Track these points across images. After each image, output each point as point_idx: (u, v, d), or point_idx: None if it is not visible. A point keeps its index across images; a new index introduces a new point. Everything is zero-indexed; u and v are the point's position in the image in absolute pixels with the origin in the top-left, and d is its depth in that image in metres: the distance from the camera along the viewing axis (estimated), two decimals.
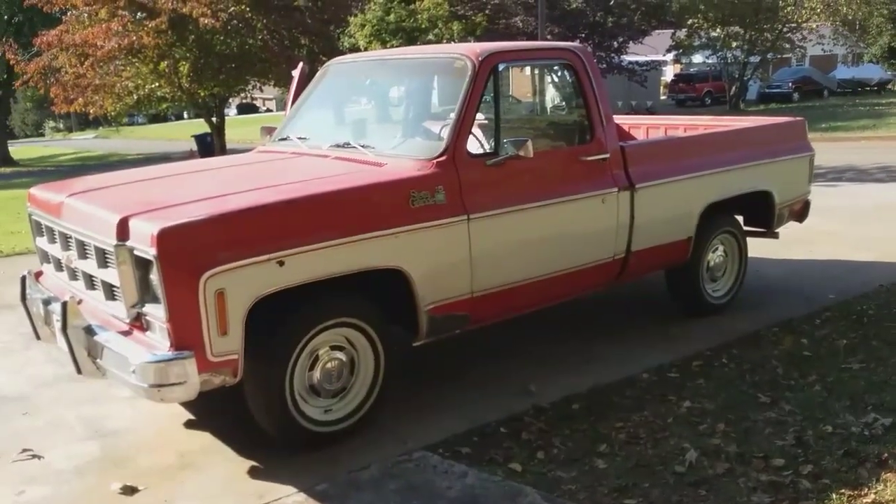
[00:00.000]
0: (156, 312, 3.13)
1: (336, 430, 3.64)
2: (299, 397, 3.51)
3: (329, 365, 3.57)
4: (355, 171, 3.83)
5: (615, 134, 4.50)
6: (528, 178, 4.06)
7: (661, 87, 40.08)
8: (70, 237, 3.65)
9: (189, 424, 3.96)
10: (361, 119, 4.65)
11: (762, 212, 5.53)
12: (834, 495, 3.04)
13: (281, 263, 3.22)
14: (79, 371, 3.47)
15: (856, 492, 3.06)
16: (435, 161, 3.77)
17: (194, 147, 19.94)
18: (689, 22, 30.85)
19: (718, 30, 30.35)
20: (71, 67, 15.99)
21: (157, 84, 16.23)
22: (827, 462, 3.30)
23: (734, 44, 30.80)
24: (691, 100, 36.28)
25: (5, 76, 27.09)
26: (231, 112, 48.22)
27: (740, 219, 5.66)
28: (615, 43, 28.98)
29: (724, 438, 3.55)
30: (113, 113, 17.63)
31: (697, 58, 36.03)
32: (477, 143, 4.09)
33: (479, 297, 3.93)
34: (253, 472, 3.45)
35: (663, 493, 3.13)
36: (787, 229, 6.06)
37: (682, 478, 3.23)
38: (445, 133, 3.86)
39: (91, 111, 16.75)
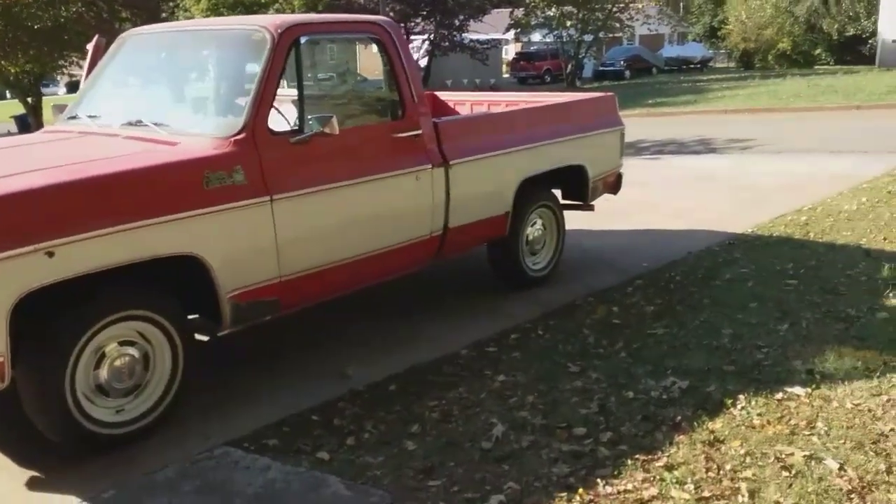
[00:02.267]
0: None
1: (131, 430, 3.39)
2: (84, 399, 3.23)
3: (118, 362, 3.31)
4: (143, 151, 3.55)
5: (428, 110, 4.44)
6: (336, 155, 3.92)
7: (504, 66, 40.97)
8: None
9: None
10: (157, 95, 4.32)
11: (577, 185, 5.67)
12: (629, 461, 3.13)
13: (50, 254, 2.93)
14: None
15: (650, 456, 3.16)
16: (232, 139, 3.56)
17: (13, 128, 18.42)
18: (527, 1, 31.63)
19: (553, 9, 31.27)
20: None
21: None
22: (626, 428, 3.40)
23: (568, 23, 31.87)
24: (532, 77, 37.35)
25: None
26: (60, 91, 44.85)
27: (558, 193, 5.79)
28: (456, 21, 29.31)
29: (532, 410, 3.60)
30: None
31: (536, 36, 37.07)
32: (283, 121, 3.90)
33: (289, 280, 3.77)
34: (32, 484, 3.15)
35: (468, 470, 3.12)
36: (608, 202, 6.28)
37: (487, 454, 3.24)
38: (244, 110, 3.65)
39: None
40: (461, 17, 29.29)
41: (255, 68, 3.72)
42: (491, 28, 31.62)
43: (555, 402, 3.68)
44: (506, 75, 39.99)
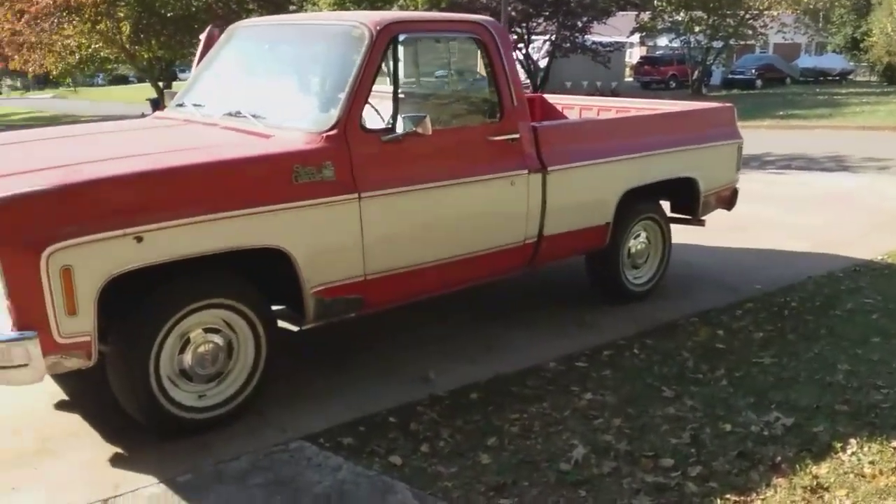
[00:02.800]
0: None
1: (211, 416, 3.42)
2: (168, 382, 3.27)
3: (202, 349, 3.34)
4: (237, 142, 3.58)
5: (527, 113, 4.29)
6: (427, 156, 3.83)
7: (627, 69, 40.04)
8: None
9: (60, 405, 3.71)
10: (258, 87, 4.35)
11: (687, 199, 5.39)
12: (718, 500, 2.90)
13: (139, 239, 2.97)
14: None
15: (742, 497, 2.93)
16: (324, 135, 3.53)
17: (149, 111, 19.40)
18: (655, 4, 30.72)
19: (682, 13, 30.26)
20: (7, 24, 15.35)
21: (99, 44, 15.65)
22: (719, 463, 3.16)
23: (697, 28, 30.77)
24: (656, 83, 36.31)
25: None
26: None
27: (666, 205, 5.52)
28: (579, 23, 28.78)
29: (618, 435, 3.40)
30: (55, 72, 17.00)
31: (663, 41, 36.03)
32: (378, 118, 3.84)
33: (373, 279, 3.72)
34: (115, 460, 3.22)
35: (542, 493, 2.97)
36: (725, 217, 5.95)
37: (564, 476, 3.08)
38: (338, 106, 3.61)
39: (30, 70, 16.14)
40: (584, 19, 28.72)
41: (353, 65, 3.67)
42: (615, 31, 30.89)
43: (643, 428, 3.47)
44: (628, 79, 39.04)
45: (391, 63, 3.78)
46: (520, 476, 3.08)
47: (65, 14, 14.76)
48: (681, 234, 5.83)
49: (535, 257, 4.50)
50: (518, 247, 4.34)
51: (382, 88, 3.88)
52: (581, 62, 30.73)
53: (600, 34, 30.40)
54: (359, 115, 3.63)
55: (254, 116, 3.81)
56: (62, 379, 3.83)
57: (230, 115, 3.96)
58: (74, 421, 3.55)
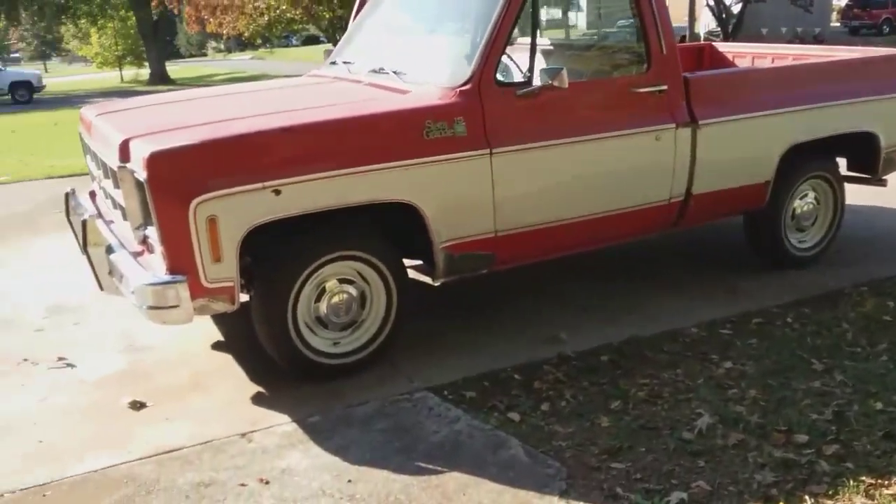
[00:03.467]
0: (154, 235, 3.16)
1: (344, 363, 3.60)
2: (305, 328, 3.48)
3: (336, 298, 3.51)
4: (375, 97, 3.67)
5: (678, 63, 4.05)
6: (565, 110, 3.75)
7: (834, 14, 36.61)
8: (98, 156, 3.75)
9: (216, 345, 4.05)
10: (403, 43, 4.42)
11: (866, 156, 4.90)
12: (852, 481, 2.69)
13: (277, 192, 3.16)
14: (101, 287, 3.61)
15: (880, 480, 2.69)
16: (458, 90, 3.54)
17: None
18: None
19: None
20: None
21: (284, 6, 16.50)
22: (860, 444, 2.92)
23: None
24: (866, 28, 33.02)
25: None
26: None
27: (842, 162, 5.06)
28: None
29: (751, 406, 3.22)
30: (246, 34, 18.15)
31: None
32: (515, 71, 3.80)
33: (505, 236, 3.72)
34: (256, 398, 3.49)
35: (657, 459, 2.88)
36: None
37: (685, 445, 2.97)
38: (473, 59, 3.61)
39: (225, 31, 17.33)
40: None
41: (489, 17, 3.63)
42: None
43: (781, 401, 3.26)
44: (835, 24, 35.71)
45: (532, 13, 3.70)
46: (637, 441, 3.00)
47: None
48: (865, 196, 5.35)
49: (683, 217, 4.30)
50: (663, 205, 4.17)
51: (524, 41, 3.82)
52: (780, 6, 28.40)
53: None
54: (493, 68, 3.60)
55: (395, 73, 3.88)
56: (218, 320, 4.18)
57: (374, 71, 4.06)
58: (225, 360, 3.87)
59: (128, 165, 3.16)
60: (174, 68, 36.84)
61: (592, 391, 3.43)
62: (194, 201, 3.03)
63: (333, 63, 4.58)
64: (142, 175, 3.04)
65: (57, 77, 40.22)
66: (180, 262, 3.10)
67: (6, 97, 24.41)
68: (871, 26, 32.82)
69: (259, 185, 3.12)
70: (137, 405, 3.44)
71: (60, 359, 3.90)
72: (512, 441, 3.03)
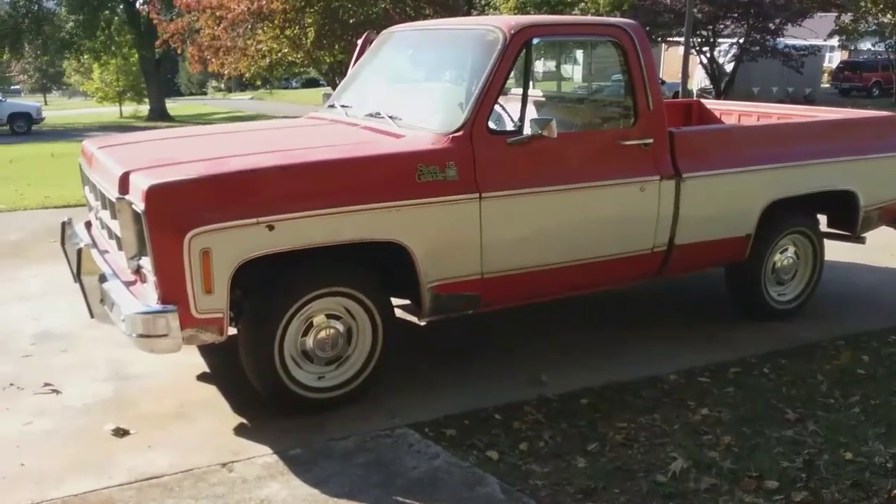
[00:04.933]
0: (148, 266, 3.24)
1: (328, 397, 3.66)
2: (291, 362, 3.54)
3: (323, 333, 3.58)
4: (369, 140, 3.80)
5: (664, 118, 4.20)
6: (552, 159, 3.87)
7: (825, 75, 37.37)
8: (97, 187, 3.84)
9: (202, 376, 4.10)
10: (400, 89, 4.58)
11: (846, 213, 5.05)
12: None
13: (271, 228, 3.25)
14: (91, 315, 3.67)
15: None
16: (450, 136, 3.67)
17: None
18: (860, 4, 28.45)
19: (889, 15, 27.83)
20: (208, 29, 16.83)
21: (286, 49, 16.81)
22: (828, 492, 2.99)
23: None
24: (856, 90, 33.73)
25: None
26: None
27: (823, 219, 5.21)
28: (771, 24, 27.24)
29: (724, 452, 3.29)
30: (248, 75, 18.45)
31: (866, 45, 33.34)
32: (507, 120, 3.94)
33: (491, 278, 3.81)
34: (239, 429, 3.53)
35: (630, 500, 2.95)
36: None
37: (658, 488, 3.03)
38: (466, 107, 3.74)
39: (226, 72, 17.61)
40: (778, 20, 27.10)
41: (484, 67, 3.78)
42: (810, 33, 28.88)
43: (754, 448, 3.33)
44: (825, 85, 36.42)
45: (524, 66, 3.85)
46: (612, 483, 3.07)
47: (257, 21, 16.02)
48: (846, 253, 5.49)
49: (665, 266, 4.41)
50: (646, 254, 4.28)
51: (517, 91, 3.97)
52: (771, 67, 29.07)
53: (794, 37, 28.58)
54: (486, 117, 3.73)
55: (391, 117, 4.01)
56: (206, 352, 4.24)
57: (371, 115, 4.20)
58: (210, 391, 3.92)
59: (126, 197, 3.25)
60: (174, 105, 37.30)
61: (571, 433, 3.49)
62: (189, 233, 3.11)
63: (332, 106, 4.72)
64: (139, 207, 3.13)
65: (56, 110, 40.60)
66: (172, 292, 3.18)
67: (5, 128, 24.61)
68: (861, 88, 33.55)
69: (253, 220, 3.21)
70: (121, 432, 3.48)
71: (46, 384, 3.95)
72: (489, 478, 3.09)
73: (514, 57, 3.81)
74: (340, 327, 3.63)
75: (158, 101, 31.90)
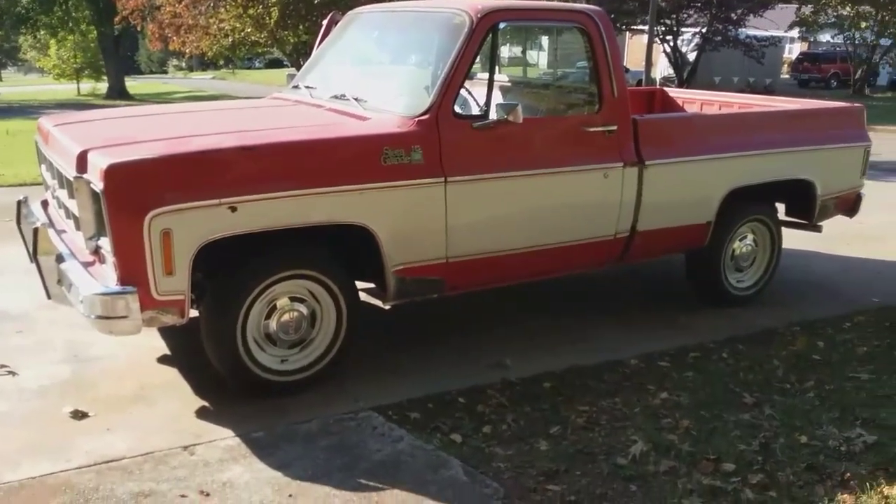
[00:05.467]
0: (107, 246, 3.18)
1: (291, 380, 3.64)
2: (254, 344, 3.51)
3: (287, 316, 3.56)
4: (334, 122, 3.77)
5: (627, 106, 4.23)
6: (518, 144, 3.88)
7: (785, 66, 37.93)
8: (54, 166, 3.76)
9: (162, 359, 4.05)
10: (365, 72, 4.55)
11: (803, 202, 5.15)
12: None
13: (233, 209, 3.21)
14: (48, 296, 3.60)
15: None
16: (416, 119, 3.65)
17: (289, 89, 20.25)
18: None
19: (848, 8, 28.32)
20: (169, 6, 16.50)
21: (249, 28, 16.55)
22: (784, 474, 3.06)
23: (864, 24, 28.73)
24: (815, 81, 34.31)
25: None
26: None
27: (782, 207, 5.31)
28: (734, 15, 27.57)
29: (683, 435, 3.35)
30: (210, 54, 18.13)
31: (825, 37, 33.90)
32: (472, 104, 3.93)
33: (456, 263, 3.82)
34: (200, 412, 3.50)
35: (591, 482, 2.98)
36: (858, 225, 5.66)
37: (619, 470, 3.07)
38: (432, 91, 3.73)
39: (187, 51, 17.29)
40: (740, 11, 27.43)
41: (450, 51, 3.77)
42: (771, 24, 29.29)
43: (712, 432, 3.40)
44: (785, 76, 36.99)
45: (490, 50, 3.84)
46: (574, 465, 3.10)
47: None
48: (804, 240, 5.60)
49: (627, 252, 4.46)
50: (608, 240, 4.32)
51: (484, 75, 3.96)
52: (733, 57, 29.44)
53: (756, 28, 28.98)
54: (452, 101, 3.72)
55: (356, 100, 3.98)
56: (166, 334, 4.19)
57: (336, 97, 4.16)
58: (171, 374, 3.88)
59: (84, 176, 3.18)
60: (133, 84, 36.51)
61: (533, 416, 3.53)
62: (149, 214, 3.06)
63: (296, 87, 4.67)
64: (98, 186, 3.07)
65: (12, 87, 39.56)
66: (132, 274, 3.12)
67: None
68: (820, 80, 34.13)
69: (215, 201, 3.17)
70: (79, 415, 3.43)
71: (2, 366, 3.87)
72: (453, 461, 3.10)
73: (480, 41, 3.80)
74: (304, 310, 3.61)
75: (117, 78, 31.20)
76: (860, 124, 5.31)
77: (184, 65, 59.81)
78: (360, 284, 3.81)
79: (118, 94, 29.86)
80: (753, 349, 4.35)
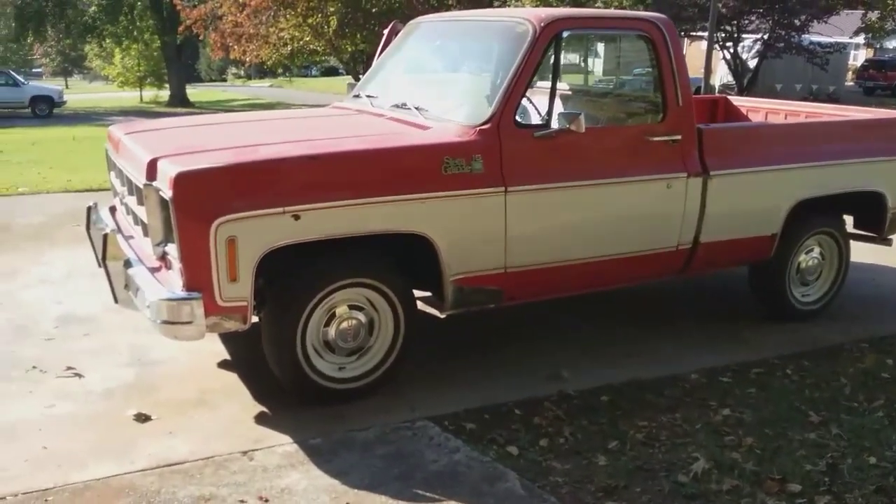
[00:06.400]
0: (174, 252, 3.24)
1: (349, 388, 3.66)
2: (313, 352, 3.55)
3: (345, 324, 3.58)
4: (396, 132, 3.78)
5: (692, 115, 4.16)
6: (579, 154, 3.84)
7: (849, 73, 36.93)
8: (123, 173, 3.85)
9: (223, 364, 4.11)
10: (427, 81, 4.56)
11: (873, 214, 4.98)
12: None
13: (296, 217, 3.24)
14: (115, 300, 3.68)
15: None
16: (477, 129, 3.65)
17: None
18: (887, 1, 28.02)
19: None
20: (231, 16, 16.86)
21: (308, 37, 16.81)
22: (852, 496, 2.96)
23: None
24: (881, 89, 33.32)
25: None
26: None
27: (850, 219, 5.15)
28: (797, 21, 26.92)
29: (747, 454, 3.27)
30: (269, 62, 18.47)
31: (893, 43, 32.91)
32: (533, 113, 3.91)
33: (514, 273, 3.80)
34: (260, 418, 3.54)
35: (651, 500, 2.93)
36: None
37: (680, 488, 3.01)
38: (494, 100, 3.72)
39: (248, 59, 17.64)
40: (803, 17, 26.77)
41: (513, 60, 3.75)
42: (836, 30, 28.48)
43: (776, 451, 3.30)
44: (849, 83, 36.01)
45: (553, 59, 3.82)
46: (633, 482, 3.05)
47: (280, 8, 16.03)
48: (871, 254, 5.44)
49: (690, 264, 4.37)
50: (671, 252, 4.24)
51: (546, 84, 3.94)
52: (795, 63, 28.79)
53: (819, 34, 28.25)
54: (513, 110, 3.70)
55: (417, 109, 3.99)
56: (227, 339, 4.25)
57: (397, 106, 4.18)
58: (231, 379, 3.93)
59: (154, 184, 3.26)
60: (193, 91, 37.40)
61: (591, 430, 3.48)
62: (216, 221, 3.11)
63: (357, 96, 4.71)
64: (167, 194, 3.14)
65: (77, 94, 40.82)
66: (197, 280, 3.18)
67: (27, 111, 24.77)
68: (886, 87, 33.15)
69: (280, 209, 3.21)
70: (143, 417, 3.50)
71: (69, 368, 3.97)
72: (510, 474, 3.08)
73: (543, 50, 3.78)
74: (363, 318, 3.62)
75: (179, 86, 32.01)
76: None
77: (242, 73, 61.01)
78: (417, 293, 3.82)
79: (179, 101, 30.61)
80: (819, 366, 4.23)
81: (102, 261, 3.63)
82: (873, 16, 29.14)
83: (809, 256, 4.89)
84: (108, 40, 34.54)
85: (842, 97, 27.95)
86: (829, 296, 5.02)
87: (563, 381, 3.95)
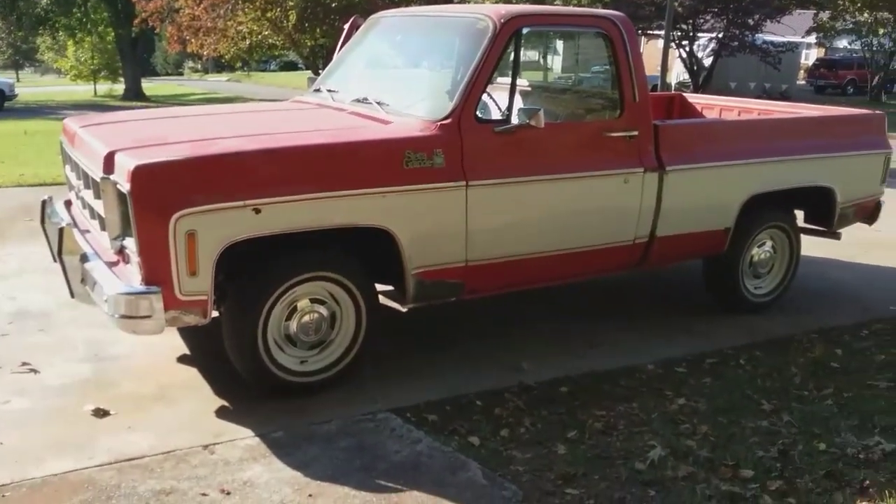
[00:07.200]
0: (132, 246, 3.21)
1: (310, 381, 3.66)
2: (274, 345, 3.54)
3: (307, 317, 3.58)
4: (357, 126, 3.79)
5: (649, 111, 4.24)
6: (539, 149, 3.89)
7: (801, 72, 37.73)
8: (79, 166, 3.80)
9: (182, 359, 4.09)
10: (388, 76, 4.58)
11: (823, 209, 5.13)
12: None
13: (257, 211, 3.24)
14: (72, 295, 3.64)
15: None
16: (438, 123, 3.67)
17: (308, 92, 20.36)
18: (837, 2, 28.70)
19: (866, 14, 28.14)
20: (188, 9, 16.63)
21: (267, 31, 16.66)
22: (802, 481, 3.06)
23: (882, 30, 28.55)
24: (832, 87, 34.15)
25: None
26: None
27: (800, 214, 5.29)
28: (750, 20, 27.43)
29: (701, 441, 3.35)
30: (227, 56, 18.26)
31: (842, 43, 33.72)
32: (494, 109, 3.95)
33: (475, 266, 3.83)
34: (220, 412, 3.53)
35: (609, 487, 2.99)
36: (876, 232, 5.63)
37: (637, 475, 3.08)
38: (454, 95, 3.75)
39: (205, 53, 17.42)
40: (757, 17, 27.28)
41: (473, 56, 3.79)
42: (788, 30, 29.08)
43: (730, 438, 3.40)
44: (801, 82, 36.79)
45: (513, 55, 3.86)
46: (592, 469, 3.11)
47: (239, 2, 15.86)
48: (822, 248, 5.58)
49: (646, 258, 4.46)
50: (627, 245, 4.32)
51: (506, 80, 3.98)
52: (749, 62, 29.30)
53: (773, 33, 28.84)
54: (474, 105, 3.74)
55: (378, 103, 4.00)
56: (186, 334, 4.23)
57: (358, 101, 4.18)
58: (191, 373, 3.91)
59: (111, 177, 3.22)
60: (149, 85, 36.67)
61: (551, 420, 3.53)
62: (175, 215, 3.09)
63: (318, 90, 4.70)
64: (125, 187, 3.11)
65: (29, 87, 39.83)
66: (156, 274, 3.16)
67: None
68: (836, 86, 33.96)
69: (240, 202, 3.20)
70: (101, 413, 3.46)
71: (24, 364, 3.91)
72: (471, 463, 3.12)
73: (503, 46, 3.82)
74: (324, 312, 3.63)
75: (134, 80, 31.40)
76: (881, 131, 5.29)
77: (199, 67, 60.11)
78: (379, 287, 3.83)
79: (135, 95, 30.05)
80: (771, 356, 4.35)
81: (58, 255, 3.58)
82: (825, 16, 29.81)
83: (762, 250, 5.02)
84: (61, 32, 33.77)
85: (794, 95, 28.56)
86: (781, 288, 5.16)
87: (523, 372, 4.01)
